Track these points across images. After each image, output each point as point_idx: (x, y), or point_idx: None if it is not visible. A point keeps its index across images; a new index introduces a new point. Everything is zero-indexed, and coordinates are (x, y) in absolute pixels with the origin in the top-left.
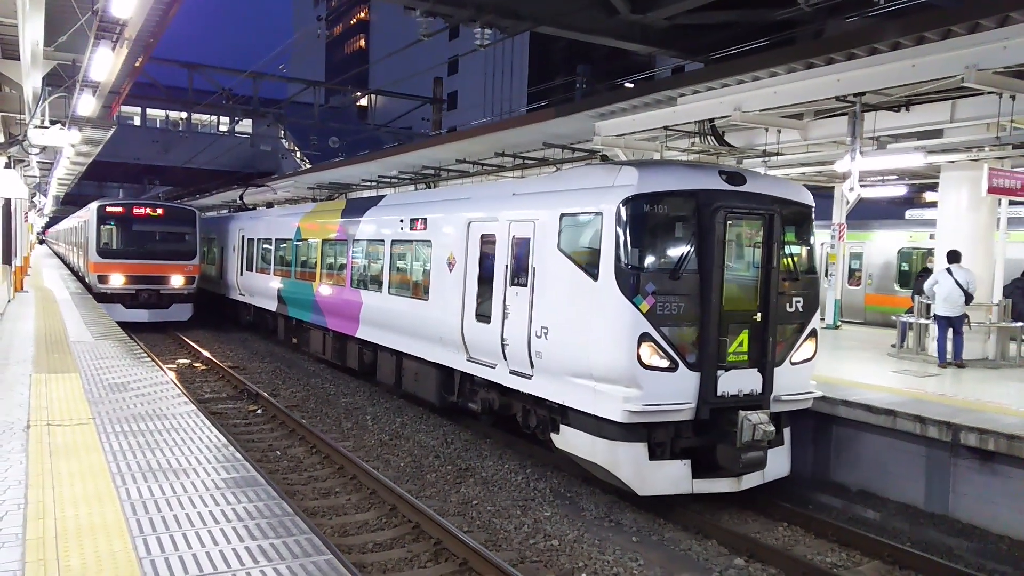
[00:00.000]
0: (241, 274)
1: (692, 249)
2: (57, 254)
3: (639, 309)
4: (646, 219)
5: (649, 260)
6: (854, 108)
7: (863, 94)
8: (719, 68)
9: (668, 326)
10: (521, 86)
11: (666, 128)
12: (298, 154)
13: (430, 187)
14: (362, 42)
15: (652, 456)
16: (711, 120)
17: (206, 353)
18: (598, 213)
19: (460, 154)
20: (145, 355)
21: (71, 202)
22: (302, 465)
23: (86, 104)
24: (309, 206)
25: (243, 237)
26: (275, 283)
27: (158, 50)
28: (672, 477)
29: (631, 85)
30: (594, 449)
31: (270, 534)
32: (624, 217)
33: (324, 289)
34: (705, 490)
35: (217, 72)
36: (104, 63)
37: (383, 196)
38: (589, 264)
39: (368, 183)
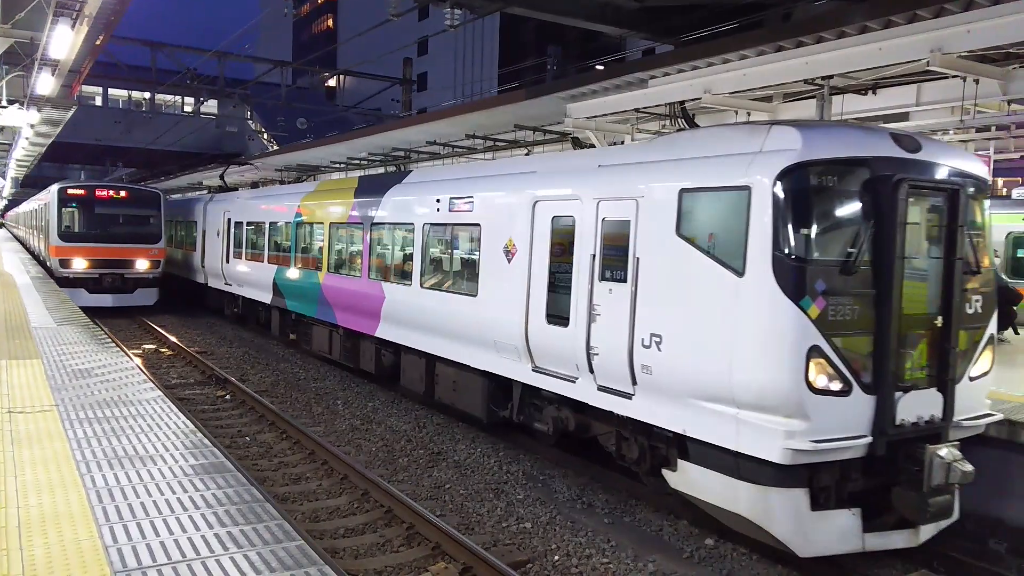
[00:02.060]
0: (227, 261)
1: (867, 235)
2: (17, 238)
3: (807, 314)
4: (812, 195)
5: (817, 249)
6: (822, 91)
7: (831, 77)
8: (689, 50)
9: (841, 336)
10: (491, 68)
11: (637, 111)
12: (265, 135)
13: (399, 168)
14: (330, 22)
15: (815, 505)
16: (681, 103)
17: (172, 338)
18: (743, 188)
19: (430, 136)
20: (110, 341)
21: (31, 184)
22: (272, 451)
23: (45, 83)
24: (310, 185)
25: (229, 220)
26: (270, 272)
27: (120, 28)
28: (840, 531)
29: (602, 67)
30: (735, 496)
31: (240, 521)
32: (784, 192)
33: (334, 280)
34: (878, 546)
35: (181, 51)
36: (63, 41)
37: (408, 172)
38: (729, 254)
39: (337, 165)
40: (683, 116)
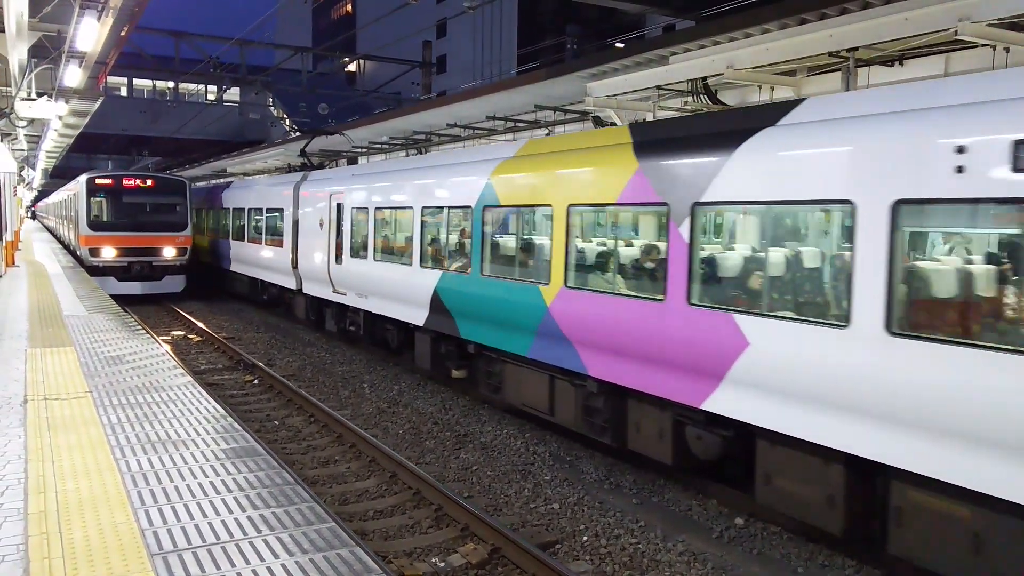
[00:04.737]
0: (338, 262)
1: None
2: (47, 227)
3: None
4: None
5: None
6: (847, 63)
7: (856, 49)
8: (711, 25)
9: None
10: (510, 48)
11: (659, 88)
12: (287, 122)
13: (421, 152)
14: (349, 7)
15: None
16: (704, 78)
17: (200, 324)
18: None
19: (451, 118)
20: (139, 328)
21: (59, 175)
22: (300, 434)
23: (72, 75)
24: (507, 147)
25: (339, 206)
26: (427, 281)
27: (144, 19)
28: None
29: (622, 45)
30: None
31: (271, 503)
32: None
33: (579, 301)
34: None
35: (204, 40)
36: (90, 33)
37: (794, 102)
38: None
39: (358, 150)
40: (705, 92)
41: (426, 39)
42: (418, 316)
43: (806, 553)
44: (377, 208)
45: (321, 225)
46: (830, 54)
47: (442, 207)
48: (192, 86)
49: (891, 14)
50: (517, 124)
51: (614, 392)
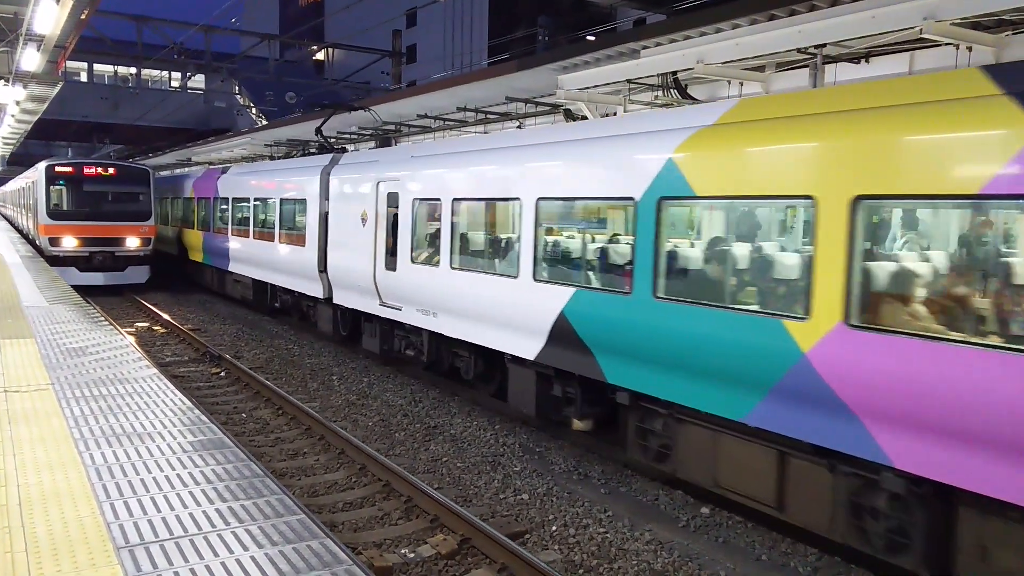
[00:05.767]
0: (389, 267)
1: None
2: (5, 216)
3: None
4: None
5: None
6: (815, 60)
7: (824, 46)
8: (681, 20)
9: None
10: (482, 39)
11: (629, 81)
12: (254, 110)
13: (393, 143)
14: None
15: None
16: (674, 73)
17: (165, 316)
18: None
19: (421, 109)
20: (102, 319)
21: (18, 162)
22: (268, 427)
23: (30, 59)
24: (704, 112)
25: (390, 197)
26: (543, 300)
27: (105, 2)
28: None
29: (593, 38)
30: None
31: (240, 496)
32: None
33: (886, 351)
34: None
35: (167, 25)
36: (48, 15)
37: None
38: None
39: (328, 139)
40: (675, 87)
41: (396, 28)
42: (526, 346)
43: (770, 541)
44: (456, 200)
45: (364, 221)
46: (798, 50)
47: (577, 199)
48: (155, 72)
49: (858, 11)
50: (488, 116)
51: (932, 494)
